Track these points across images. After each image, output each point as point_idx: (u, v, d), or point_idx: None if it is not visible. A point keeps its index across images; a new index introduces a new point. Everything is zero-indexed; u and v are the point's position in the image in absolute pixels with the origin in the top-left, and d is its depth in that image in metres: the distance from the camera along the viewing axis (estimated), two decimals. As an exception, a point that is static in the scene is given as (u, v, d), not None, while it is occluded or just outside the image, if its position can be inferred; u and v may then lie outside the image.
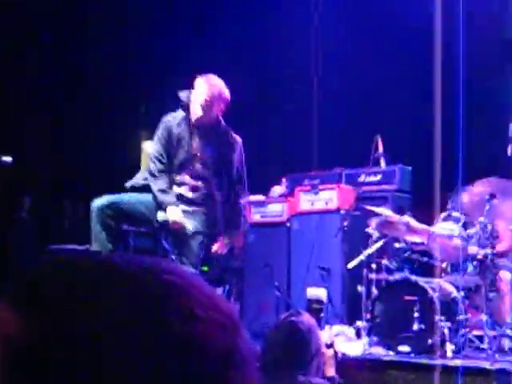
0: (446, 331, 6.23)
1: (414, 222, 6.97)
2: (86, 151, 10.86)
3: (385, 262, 6.99)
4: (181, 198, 6.76)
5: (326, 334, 6.56)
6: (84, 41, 10.92)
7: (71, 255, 0.92)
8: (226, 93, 6.85)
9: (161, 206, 6.75)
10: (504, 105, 9.38)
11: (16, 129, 10.35)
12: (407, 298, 6.46)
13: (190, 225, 6.62)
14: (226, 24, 10.68)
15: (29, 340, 0.78)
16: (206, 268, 10.13)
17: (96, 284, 0.83)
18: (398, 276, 6.71)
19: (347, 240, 7.75)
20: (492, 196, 6.65)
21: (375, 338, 6.44)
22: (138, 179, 7.06)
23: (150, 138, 11.15)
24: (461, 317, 6.47)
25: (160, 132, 7.01)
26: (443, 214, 6.98)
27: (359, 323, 6.74)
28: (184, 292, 0.85)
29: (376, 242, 6.98)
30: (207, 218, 6.83)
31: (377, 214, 7.07)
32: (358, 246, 7.28)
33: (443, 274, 7.01)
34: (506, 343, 6.38)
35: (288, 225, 8.39)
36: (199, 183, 6.84)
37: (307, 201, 8.19)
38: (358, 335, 6.72)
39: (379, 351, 6.25)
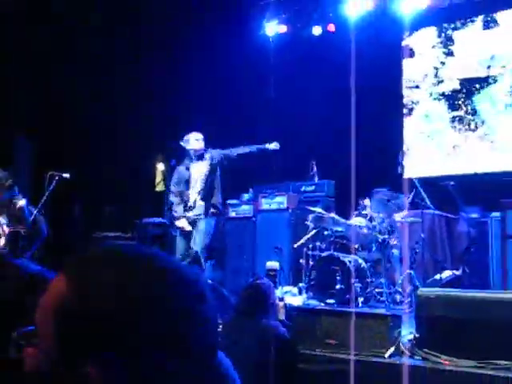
0: (358, 289, 6.26)
1: (337, 217, 7.06)
2: (117, 170, 10.75)
3: (318, 243, 7.00)
4: None
5: (279, 292, 6.65)
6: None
7: (111, 246, 0.89)
8: None
9: None
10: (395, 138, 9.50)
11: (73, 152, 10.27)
12: (332, 267, 6.43)
13: None
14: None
15: (78, 306, 0.75)
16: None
17: (126, 268, 0.79)
18: (326, 253, 6.70)
19: (293, 229, 7.79)
20: (388, 200, 6.79)
21: (311, 294, 6.46)
22: None
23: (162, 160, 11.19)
24: (368, 280, 6.56)
25: None
26: (355, 212, 7.07)
27: (301, 284, 6.81)
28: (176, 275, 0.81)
29: (312, 230, 7.04)
30: None
31: (312, 212, 7.14)
32: (300, 233, 7.35)
33: (356, 252, 6.96)
34: (397, 297, 6.49)
35: (254, 219, 8.40)
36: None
37: (266, 203, 8.23)
38: (300, 292, 6.76)
39: (314, 303, 6.26)
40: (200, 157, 7.39)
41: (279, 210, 8.07)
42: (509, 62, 9.59)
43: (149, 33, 10.65)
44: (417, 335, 4.10)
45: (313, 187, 8.49)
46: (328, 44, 10.44)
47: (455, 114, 10.06)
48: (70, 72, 10.16)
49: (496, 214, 7.12)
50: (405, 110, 10.47)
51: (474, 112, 9.87)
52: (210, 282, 6.09)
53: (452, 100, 10.11)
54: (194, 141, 7.44)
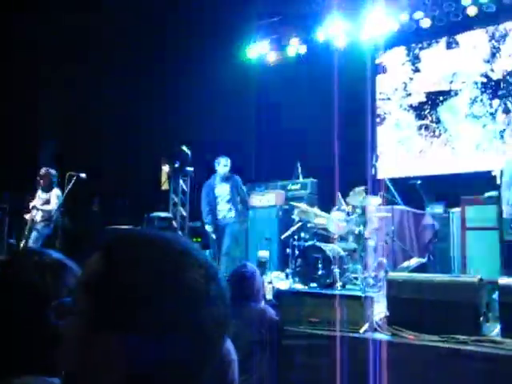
0: (337, 275, 6.25)
1: (319, 211, 7.07)
2: (127, 172, 10.73)
3: (302, 234, 6.97)
4: None
5: (268, 277, 6.65)
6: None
7: (135, 230, 0.89)
8: None
9: None
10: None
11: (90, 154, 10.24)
12: (315, 255, 6.43)
13: None
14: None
15: (108, 280, 0.76)
16: (199, 239, 10.17)
17: (149, 248, 0.79)
18: (310, 243, 6.67)
19: (281, 222, 7.81)
20: (364, 196, 6.79)
21: (297, 279, 6.44)
22: None
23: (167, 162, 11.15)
24: (345, 266, 6.58)
25: None
26: (335, 208, 7.07)
27: (287, 270, 6.77)
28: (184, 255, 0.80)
29: (297, 223, 7.03)
30: None
31: (298, 207, 7.14)
32: (287, 226, 7.36)
33: (336, 242, 7.00)
34: (371, 281, 6.49)
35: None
36: None
37: (257, 200, 8.24)
38: (287, 277, 6.74)
39: (299, 286, 6.25)
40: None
41: (268, 206, 8.08)
42: (468, 78, 9.63)
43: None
44: (387, 314, 4.11)
45: (298, 185, 8.51)
46: (312, 62, 10.45)
47: (422, 122, 10.10)
48: (86, 79, 10.12)
49: (457, 210, 7.15)
50: (378, 119, 10.52)
51: (438, 121, 9.91)
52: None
53: (419, 110, 10.15)
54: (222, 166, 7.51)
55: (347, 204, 6.92)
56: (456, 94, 9.77)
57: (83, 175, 7.77)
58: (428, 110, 10.05)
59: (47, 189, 7.52)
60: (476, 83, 9.56)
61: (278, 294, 5.20)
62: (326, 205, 7.49)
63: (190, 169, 9.91)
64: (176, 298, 0.76)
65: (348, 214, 6.83)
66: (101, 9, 9.59)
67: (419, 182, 7.28)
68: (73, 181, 7.36)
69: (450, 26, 9.54)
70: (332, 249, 6.53)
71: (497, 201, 5.55)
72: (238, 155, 10.62)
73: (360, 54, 10.09)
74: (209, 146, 10.37)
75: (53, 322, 0.97)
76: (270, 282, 4.12)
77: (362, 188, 7.00)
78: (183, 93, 10.58)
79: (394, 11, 9.61)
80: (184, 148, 9.77)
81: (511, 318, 3.57)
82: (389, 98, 10.48)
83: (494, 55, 9.41)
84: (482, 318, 3.69)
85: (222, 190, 7.32)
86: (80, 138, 10.36)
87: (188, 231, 10.00)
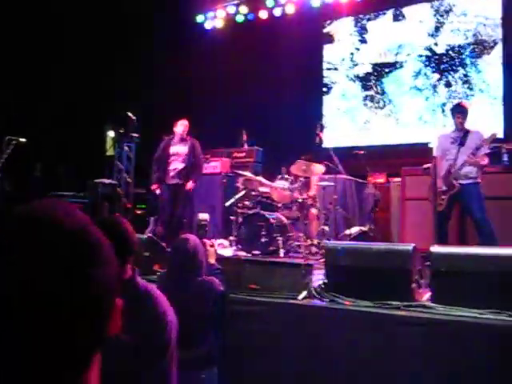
0: (280, 243, 6.29)
1: (263, 180, 7.08)
2: (72, 136, 10.44)
3: (246, 202, 6.98)
4: None
5: (211, 242, 6.64)
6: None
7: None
8: None
9: None
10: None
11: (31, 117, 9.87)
12: (258, 223, 6.44)
13: None
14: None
15: None
16: (144, 206, 10.03)
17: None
18: (253, 211, 6.68)
19: (225, 190, 7.77)
20: (308, 165, 6.82)
21: (240, 246, 6.47)
22: None
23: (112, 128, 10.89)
24: (288, 234, 6.64)
25: None
26: (279, 176, 7.08)
27: (231, 238, 6.76)
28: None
29: (242, 191, 7.01)
30: None
31: (242, 175, 7.13)
32: (231, 193, 7.32)
33: (279, 210, 7.03)
34: (312, 249, 6.59)
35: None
36: None
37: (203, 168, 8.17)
38: (231, 244, 6.71)
39: (242, 254, 6.26)
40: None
41: (213, 174, 8.01)
42: (413, 51, 9.77)
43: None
44: (325, 281, 4.18)
45: (243, 154, 8.47)
46: (260, 30, 10.34)
47: (367, 93, 10.21)
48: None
49: (397, 180, 7.30)
50: (324, 89, 10.55)
51: (383, 92, 10.05)
52: (150, 235, 5.97)
53: (365, 81, 10.24)
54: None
55: (291, 173, 6.93)
56: (401, 66, 9.90)
57: (23, 139, 7.49)
58: (374, 81, 10.15)
59: None
60: (420, 56, 9.71)
61: (222, 260, 5.22)
62: (271, 173, 7.50)
63: (136, 135, 9.69)
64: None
65: (291, 182, 6.85)
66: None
67: (362, 152, 7.37)
68: (12, 145, 7.09)
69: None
70: (275, 217, 6.55)
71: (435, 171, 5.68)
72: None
73: (308, 22, 10.04)
74: (156, 112, 10.18)
75: None
76: (212, 246, 4.06)
77: (306, 157, 7.02)
78: (130, 57, 10.31)
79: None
80: (130, 114, 9.53)
81: (441, 285, 3.70)
82: (336, 68, 10.51)
83: (438, 29, 9.56)
84: (414, 285, 3.80)
85: (179, 151, 7.16)
86: (23, 103, 9.98)
87: (133, 198, 9.84)
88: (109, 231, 2.16)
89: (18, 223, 0.70)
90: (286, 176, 6.94)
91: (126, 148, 9.83)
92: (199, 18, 10.97)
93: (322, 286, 4.17)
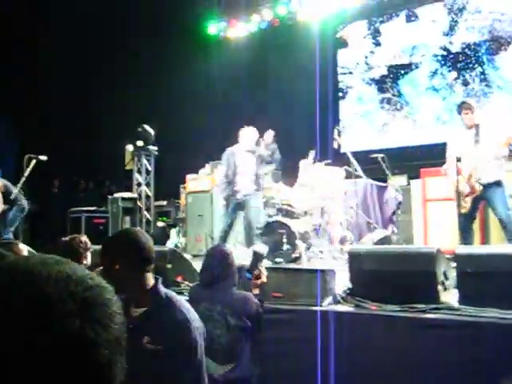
0: (303, 250, 6.29)
1: (283, 187, 7.10)
2: (95, 152, 10.57)
3: (267, 210, 6.95)
4: None
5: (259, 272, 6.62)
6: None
7: None
8: None
9: None
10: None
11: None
12: (280, 231, 6.45)
13: None
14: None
15: None
16: (165, 218, 10.12)
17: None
18: (274, 218, 6.69)
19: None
20: (327, 171, 6.82)
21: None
22: None
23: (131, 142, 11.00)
24: (310, 241, 6.65)
25: None
26: (299, 182, 7.08)
27: (253, 246, 6.80)
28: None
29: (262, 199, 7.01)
30: None
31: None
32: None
33: (300, 216, 6.97)
34: (335, 255, 6.56)
35: (211, 191, 8.23)
36: None
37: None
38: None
39: (265, 262, 6.27)
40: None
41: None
42: (427, 51, 9.73)
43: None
44: (350, 286, 4.17)
45: (262, 162, 8.48)
46: (274, 37, 10.40)
47: (383, 96, 10.19)
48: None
49: (417, 181, 7.26)
50: (340, 94, 10.55)
51: (400, 94, 10.02)
52: (172, 247, 6.02)
53: (381, 84, 10.22)
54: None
55: (311, 179, 6.93)
56: (416, 67, 9.86)
57: (43, 157, 7.60)
58: (389, 84, 10.13)
59: None
60: (435, 56, 9.67)
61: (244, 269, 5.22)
62: (291, 180, 7.50)
63: (154, 148, 9.80)
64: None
65: (312, 188, 6.85)
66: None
67: (382, 155, 7.34)
68: (32, 163, 7.18)
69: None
70: (297, 224, 6.54)
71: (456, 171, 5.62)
72: (202, 132, 10.58)
73: (321, 28, 10.06)
74: (173, 125, 10.28)
75: None
76: (258, 278, 4.03)
77: (325, 162, 7.02)
78: (145, 72, 10.44)
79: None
80: (147, 127, 9.64)
81: (467, 286, 3.66)
82: (350, 72, 10.51)
83: (452, 28, 9.51)
84: (440, 287, 3.77)
85: (245, 161, 6.86)
86: (42, 120, 10.16)
87: (154, 210, 9.93)
88: (124, 243, 2.20)
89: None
90: (306, 182, 6.93)
91: (145, 161, 9.94)
92: (212, 29, 11.05)
93: (347, 292, 4.17)
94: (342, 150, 7.37)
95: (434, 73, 9.68)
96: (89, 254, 3.71)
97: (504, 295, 3.46)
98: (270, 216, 6.88)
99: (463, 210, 5.51)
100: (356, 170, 7.17)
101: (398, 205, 7.45)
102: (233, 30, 10.98)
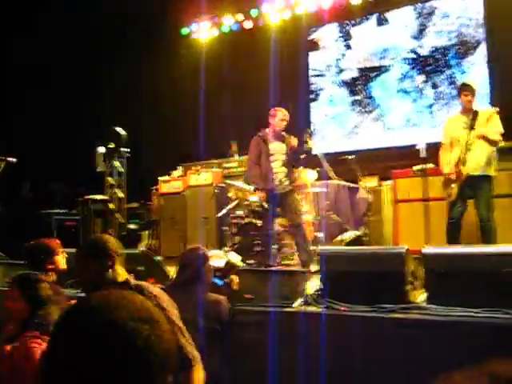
0: (275, 252, 6.27)
1: (254, 189, 7.06)
2: (66, 154, 10.40)
3: (239, 212, 6.99)
4: None
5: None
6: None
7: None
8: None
9: None
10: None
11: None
12: (252, 232, 6.47)
13: None
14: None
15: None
16: (137, 220, 10.01)
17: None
18: (246, 220, 6.69)
19: (217, 200, 7.74)
20: (299, 172, 6.80)
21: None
22: None
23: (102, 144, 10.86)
24: (283, 242, 6.65)
25: None
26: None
27: (225, 248, 6.72)
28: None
29: (234, 201, 7.01)
30: None
31: (233, 185, 7.11)
32: (223, 204, 7.31)
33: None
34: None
35: (183, 193, 8.23)
36: None
37: (194, 179, 8.15)
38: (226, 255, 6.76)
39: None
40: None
41: (205, 185, 8.00)
42: (398, 54, 9.84)
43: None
44: (321, 287, 4.18)
45: (235, 164, 8.47)
46: (247, 40, 10.38)
47: (355, 98, 10.26)
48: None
49: (388, 183, 7.33)
50: (312, 96, 10.59)
51: (370, 96, 10.09)
52: (143, 249, 5.96)
53: (352, 86, 10.29)
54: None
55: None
56: (387, 70, 9.96)
57: (13, 159, 7.47)
58: (360, 86, 10.21)
59: None
60: (405, 59, 9.78)
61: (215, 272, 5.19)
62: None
63: (126, 150, 9.70)
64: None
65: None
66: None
67: (352, 156, 7.39)
68: (2, 165, 7.06)
69: (380, 3, 9.68)
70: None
71: (423, 174, 5.68)
72: (173, 134, 10.52)
73: (293, 30, 10.10)
74: (145, 127, 10.19)
75: None
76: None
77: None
78: (118, 74, 10.33)
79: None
80: (118, 129, 9.54)
81: (435, 285, 3.70)
82: (322, 75, 10.56)
83: (421, 32, 9.64)
84: (409, 287, 3.80)
85: (277, 149, 6.19)
86: (12, 121, 9.97)
87: (125, 213, 9.82)
88: (89, 248, 2.28)
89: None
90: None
91: (117, 163, 9.82)
92: (184, 31, 11.00)
93: (318, 293, 4.17)
94: (313, 152, 7.37)
95: (404, 76, 9.78)
96: (60, 257, 3.63)
97: (471, 294, 3.51)
98: (242, 218, 6.86)
99: (449, 198, 5.42)
100: (327, 172, 7.19)
101: (368, 206, 7.50)
102: (204, 31, 10.94)
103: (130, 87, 10.25)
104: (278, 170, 6.15)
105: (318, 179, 7.25)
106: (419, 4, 9.65)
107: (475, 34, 9.09)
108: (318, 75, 10.60)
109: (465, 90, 5.45)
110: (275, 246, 6.35)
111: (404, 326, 3.60)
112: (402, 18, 9.80)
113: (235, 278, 4.32)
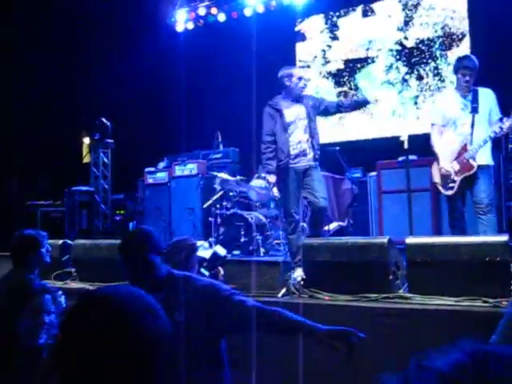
0: (260, 241, 6.31)
1: (240, 180, 7.06)
2: (51, 145, 10.33)
3: (224, 203, 6.96)
4: None
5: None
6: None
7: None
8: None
9: None
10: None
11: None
12: (237, 223, 6.46)
13: None
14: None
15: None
16: (122, 211, 9.98)
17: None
18: (231, 211, 6.69)
19: (203, 191, 7.73)
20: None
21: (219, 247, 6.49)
22: None
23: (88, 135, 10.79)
24: (267, 233, 6.66)
25: None
26: (256, 175, 7.06)
27: (211, 239, 6.72)
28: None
29: (219, 192, 6.99)
30: None
31: (219, 176, 7.10)
32: (208, 195, 7.29)
33: (257, 209, 7.01)
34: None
35: (169, 184, 8.24)
36: None
37: (179, 170, 8.12)
38: (210, 246, 6.69)
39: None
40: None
41: (190, 176, 7.98)
42: (383, 46, 9.85)
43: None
44: (304, 277, 4.20)
45: (220, 155, 8.46)
46: (232, 30, 10.33)
47: (340, 89, 10.27)
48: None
49: (373, 174, 7.35)
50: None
51: (356, 88, 10.10)
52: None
53: (338, 78, 10.30)
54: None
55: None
56: (373, 61, 9.97)
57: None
58: (346, 77, 10.22)
59: None
60: (391, 50, 9.80)
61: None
62: (248, 173, 7.50)
63: (111, 141, 9.65)
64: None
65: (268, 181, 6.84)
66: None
67: (338, 148, 7.41)
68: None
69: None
70: (254, 216, 6.55)
71: (407, 165, 5.68)
72: (159, 125, 10.48)
73: (279, 21, 10.06)
74: (130, 117, 10.13)
75: None
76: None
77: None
78: (103, 65, 10.25)
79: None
80: (103, 120, 9.49)
81: (417, 275, 3.74)
82: (308, 66, 10.55)
83: (407, 24, 9.66)
84: (391, 277, 3.84)
85: (297, 114, 5.30)
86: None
87: (110, 204, 9.78)
88: (137, 240, 2.34)
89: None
90: (263, 175, 6.93)
91: (102, 154, 9.78)
92: (171, 20, 10.91)
93: (301, 283, 4.20)
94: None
95: (390, 67, 9.81)
96: (44, 250, 3.60)
97: (451, 283, 3.55)
98: (227, 209, 6.87)
99: (448, 192, 4.79)
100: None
101: (353, 197, 7.54)
102: (192, 21, 10.86)
103: (117, 77, 10.17)
104: (300, 138, 5.21)
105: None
106: (405, -5, 9.67)
107: (460, 27, 9.13)
108: (304, 66, 10.59)
109: (462, 67, 4.75)
110: (260, 237, 6.37)
111: (386, 315, 3.63)
112: (388, 10, 9.81)
113: (221, 270, 4.33)
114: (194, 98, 10.00)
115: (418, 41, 9.54)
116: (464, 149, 4.69)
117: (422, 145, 5.72)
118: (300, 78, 5.35)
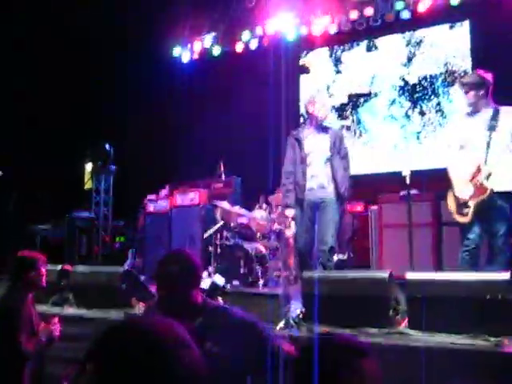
0: (259, 273, 6.27)
1: (241, 210, 7.07)
2: (53, 170, 10.35)
3: (225, 233, 6.92)
4: None
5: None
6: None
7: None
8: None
9: None
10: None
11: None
12: (237, 254, 6.43)
13: None
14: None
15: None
16: (122, 238, 9.96)
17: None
18: (232, 241, 6.68)
19: (203, 221, 7.71)
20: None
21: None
22: None
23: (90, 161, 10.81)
24: (267, 265, 6.62)
25: None
26: (257, 206, 7.09)
27: (210, 269, 6.71)
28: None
29: (220, 221, 6.98)
30: None
31: (220, 206, 7.11)
32: (209, 224, 7.27)
33: (258, 240, 6.95)
34: (291, 279, 6.53)
35: (169, 213, 8.17)
36: None
37: (180, 199, 8.13)
38: (209, 276, 6.69)
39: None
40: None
41: (191, 205, 7.98)
42: (387, 81, 9.98)
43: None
44: (303, 310, 4.17)
45: (221, 184, 8.47)
46: (237, 61, 10.47)
47: (344, 123, 10.35)
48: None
49: (374, 208, 7.36)
50: (301, 120, 10.65)
51: (359, 122, 10.19)
52: (127, 268, 5.91)
53: (341, 111, 10.39)
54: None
55: (270, 203, 6.94)
56: (376, 96, 10.08)
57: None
58: (350, 111, 10.32)
59: None
60: (394, 86, 9.91)
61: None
62: (250, 203, 7.50)
63: (113, 167, 9.70)
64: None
65: (269, 212, 6.87)
66: None
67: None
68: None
69: (370, 30, 9.82)
70: (254, 247, 6.53)
71: (409, 199, 5.68)
72: (161, 154, 10.53)
73: (284, 55, 10.19)
74: (133, 143, 10.18)
75: None
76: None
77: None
78: (108, 91, 10.35)
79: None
80: (106, 146, 9.55)
81: (417, 311, 3.71)
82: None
83: (410, 60, 9.80)
84: (391, 312, 3.81)
85: (318, 145, 5.03)
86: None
87: (111, 230, 9.78)
88: (177, 263, 2.28)
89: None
90: (264, 205, 6.95)
91: (104, 181, 9.82)
92: (175, 52, 11.06)
93: (300, 316, 4.16)
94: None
95: (393, 102, 9.91)
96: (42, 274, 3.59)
97: (453, 320, 3.52)
98: (227, 239, 6.85)
99: (462, 219, 4.36)
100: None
101: (354, 231, 7.53)
102: (196, 53, 11.02)
103: (120, 104, 10.27)
104: (319, 172, 4.97)
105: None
106: (408, 32, 9.82)
107: (462, 64, 9.25)
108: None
109: (462, 85, 4.44)
110: (259, 268, 6.34)
111: (386, 351, 3.59)
112: (392, 46, 9.97)
113: (220, 300, 4.31)
114: (196, 126, 10.07)
115: (420, 77, 9.66)
116: (478, 169, 4.24)
117: (423, 180, 5.74)
118: (324, 105, 5.15)
